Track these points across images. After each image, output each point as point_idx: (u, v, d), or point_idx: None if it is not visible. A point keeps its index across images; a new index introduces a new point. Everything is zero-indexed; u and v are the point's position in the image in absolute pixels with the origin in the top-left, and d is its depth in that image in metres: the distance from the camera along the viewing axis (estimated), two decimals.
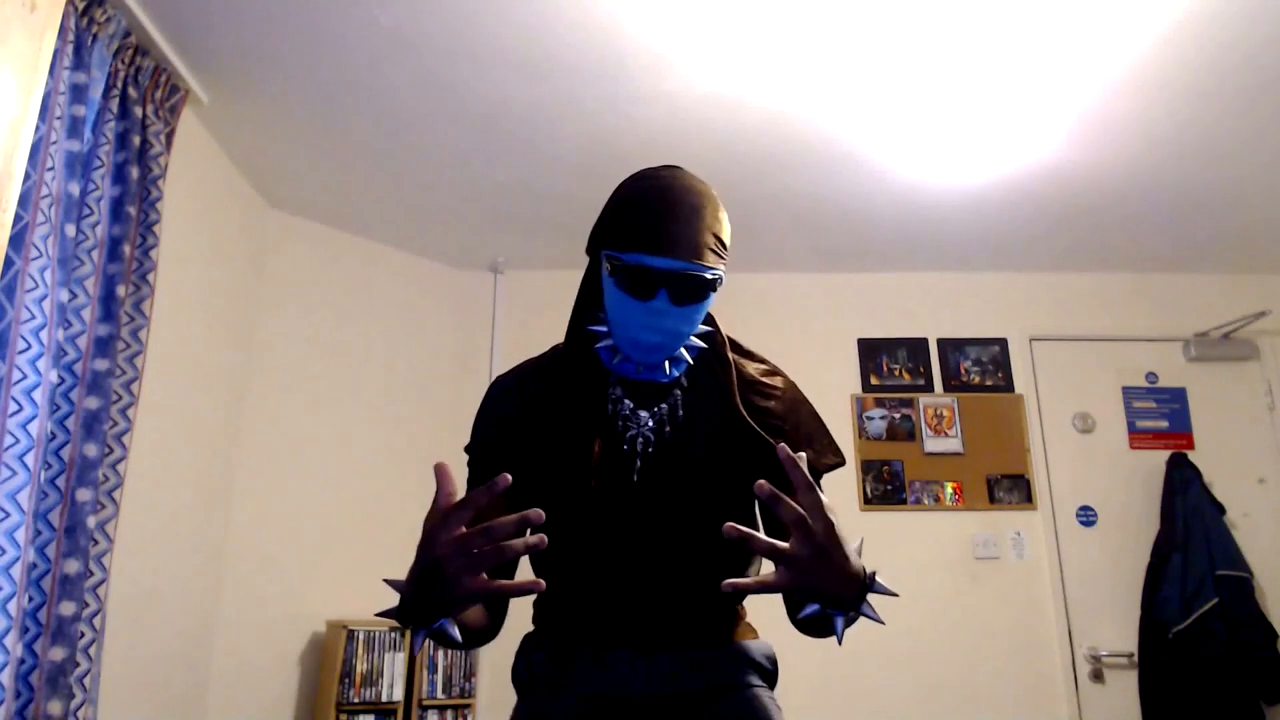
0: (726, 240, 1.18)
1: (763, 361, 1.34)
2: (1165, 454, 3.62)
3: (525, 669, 1.27)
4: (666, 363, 1.22)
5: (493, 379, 1.35)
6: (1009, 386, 3.83)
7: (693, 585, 1.21)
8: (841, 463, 1.29)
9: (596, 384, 1.24)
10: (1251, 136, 2.88)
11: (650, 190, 1.16)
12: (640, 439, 1.21)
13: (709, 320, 1.28)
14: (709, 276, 1.14)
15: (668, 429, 1.22)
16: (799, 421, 1.27)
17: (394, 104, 2.76)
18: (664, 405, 1.23)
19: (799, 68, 2.56)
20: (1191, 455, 3.60)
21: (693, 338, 1.23)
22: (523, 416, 1.26)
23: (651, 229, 1.12)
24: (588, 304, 1.26)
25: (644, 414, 1.22)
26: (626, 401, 1.23)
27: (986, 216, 3.45)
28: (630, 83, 2.64)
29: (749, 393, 1.26)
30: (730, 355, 1.28)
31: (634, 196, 1.16)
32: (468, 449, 1.31)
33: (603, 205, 1.23)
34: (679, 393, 1.24)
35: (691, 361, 1.25)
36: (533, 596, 1.31)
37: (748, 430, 1.22)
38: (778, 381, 1.30)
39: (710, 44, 2.46)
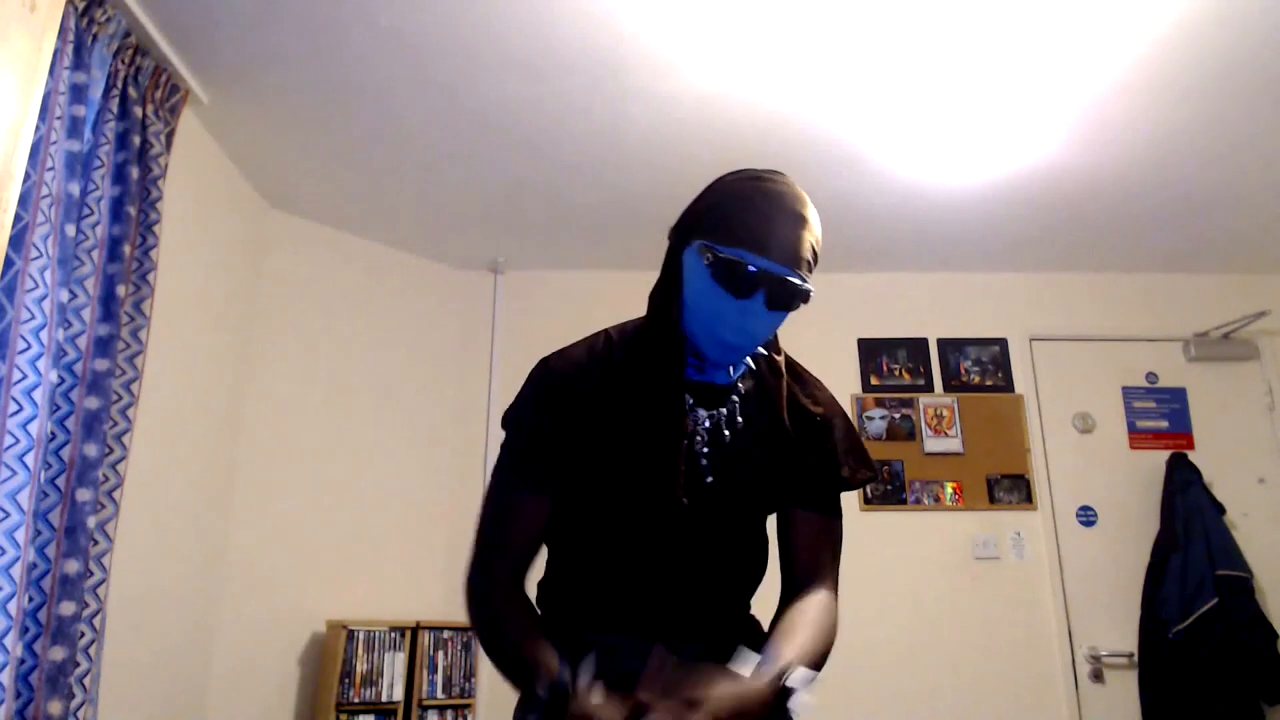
0: (819, 255, 1.18)
1: (805, 371, 1.35)
2: (1165, 454, 3.62)
3: None
4: (731, 367, 1.23)
5: (540, 360, 1.28)
6: (1009, 386, 3.83)
7: (718, 581, 1.24)
8: (874, 477, 1.31)
9: (663, 380, 1.21)
10: (1251, 136, 2.88)
11: (764, 191, 1.15)
12: (699, 438, 1.22)
13: None
14: (805, 290, 1.14)
15: (726, 433, 1.22)
16: (837, 435, 1.29)
17: (394, 104, 2.76)
18: (721, 410, 1.24)
19: (799, 68, 2.56)
20: (1191, 455, 3.60)
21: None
22: (582, 401, 1.22)
23: (763, 229, 1.11)
24: (668, 294, 1.22)
25: (703, 413, 1.23)
26: (686, 398, 1.23)
27: (986, 216, 3.45)
28: (630, 83, 2.64)
29: (795, 403, 1.27)
30: (783, 367, 1.29)
31: (746, 194, 1.15)
32: (510, 424, 1.26)
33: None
34: (736, 399, 1.25)
35: (754, 366, 1.27)
36: (538, 579, 1.30)
37: (789, 439, 1.24)
38: (822, 394, 1.32)
39: (710, 44, 2.46)
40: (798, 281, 1.13)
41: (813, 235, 1.15)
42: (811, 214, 1.16)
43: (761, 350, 1.26)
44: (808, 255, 1.14)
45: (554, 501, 1.23)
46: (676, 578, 1.21)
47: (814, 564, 1.25)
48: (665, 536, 1.20)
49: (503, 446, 1.27)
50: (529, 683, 1.06)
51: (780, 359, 1.29)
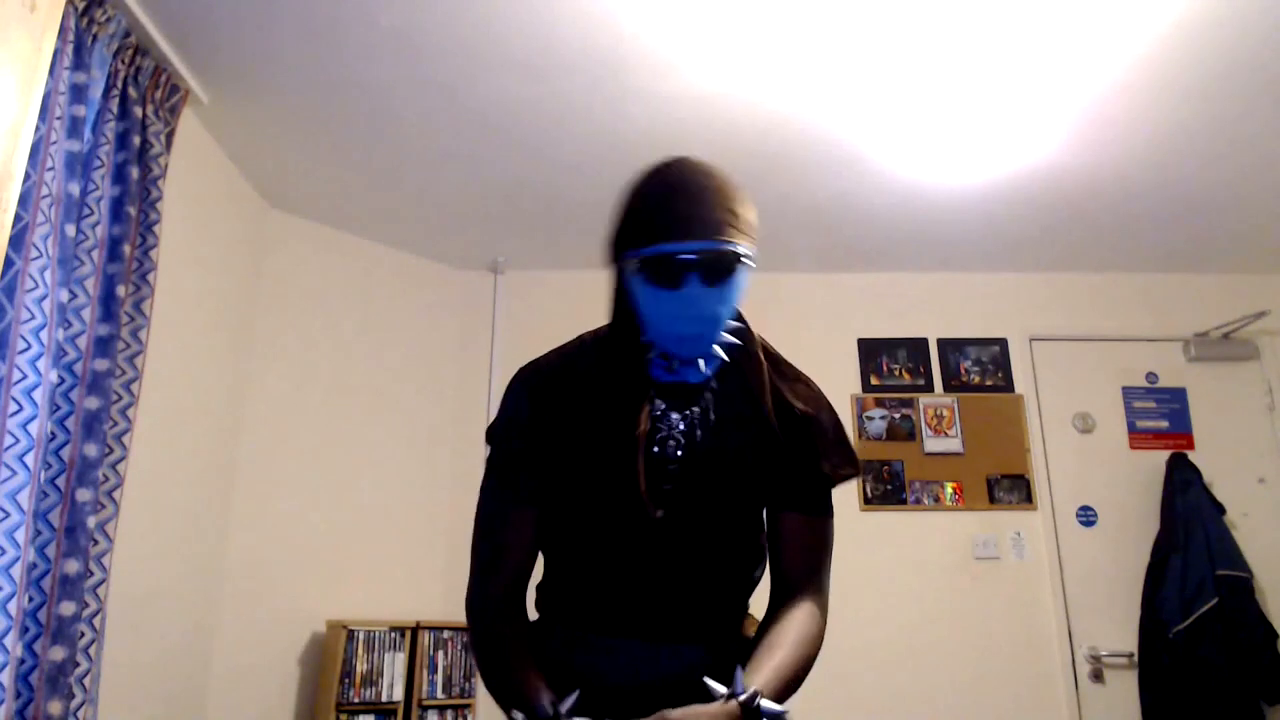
0: (749, 216, 1.15)
1: (787, 363, 1.32)
2: (1165, 454, 3.62)
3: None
4: (701, 361, 1.21)
5: (516, 371, 1.31)
6: (1009, 386, 3.83)
7: (712, 585, 1.24)
8: (857, 473, 1.28)
9: (628, 384, 1.22)
10: (1251, 136, 2.88)
11: (657, 180, 1.15)
12: (671, 441, 1.21)
13: (740, 317, 1.26)
14: (735, 250, 1.12)
15: (699, 433, 1.21)
16: (822, 428, 1.26)
17: (394, 104, 2.76)
18: (695, 409, 1.22)
19: (799, 68, 2.56)
20: (1191, 455, 3.60)
21: (726, 335, 1.22)
22: (555, 410, 1.23)
23: (666, 215, 1.11)
24: (623, 309, 1.23)
25: (675, 416, 1.22)
26: (658, 402, 1.22)
27: (986, 216, 3.45)
28: (630, 83, 2.64)
29: (778, 395, 1.25)
30: (760, 356, 1.26)
31: (643, 191, 1.16)
32: (494, 437, 1.27)
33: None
34: (710, 395, 1.23)
35: (726, 359, 1.24)
36: (538, 582, 1.31)
37: (774, 435, 1.22)
38: (803, 389, 1.29)
39: (711, 44, 2.46)
40: (722, 248, 1.11)
41: (726, 198, 1.13)
42: (719, 180, 1.15)
43: (732, 339, 1.23)
44: (725, 219, 1.12)
45: (544, 507, 1.24)
46: (662, 579, 1.21)
47: (801, 566, 1.24)
48: (644, 539, 1.20)
49: (489, 460, 1.28)
50: (510, 709, 1.08)
51: (759, 352, 1.27)
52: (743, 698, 1.01)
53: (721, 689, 1.03)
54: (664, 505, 1.19)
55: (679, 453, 1.20)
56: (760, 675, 1.07)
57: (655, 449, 1.20)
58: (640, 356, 1.21)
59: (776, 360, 1.30)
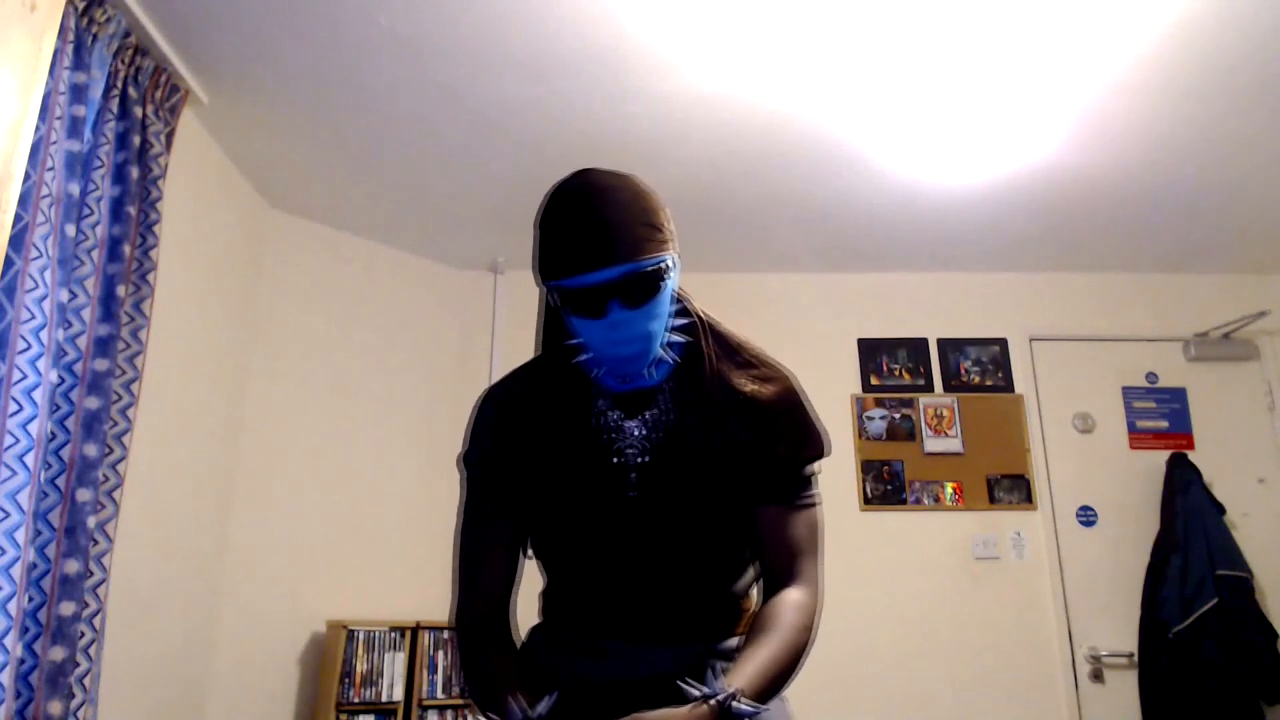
0: (660, 223, 1.14)
1: (746, 349, 1.28)
2: (1165, 454, 3.62)
3: (528, 658, 1.29)
4: (649, 368, 1.20)
5: (486, 388, 1.34)
6: (1009, 386, 3.83)
7: (691, 586, 1.23)
8: (821, 454, 1.24)
9: (579, 399, 1.23)
10: (1251, 136, 2.88)
11: (563, 208, 1.13)
12: (631, 449, 1.21)
13: (686, 310, 1.24)
14: (651, 269, 1.10)
15: (659, 435, 1.21)
16: (776, 412, 1.23)
17: (394, 104, 2.76)
18: (651, 412, 1.22)
19: (799, 68, 2.56)
20: (1191, 455, 3.60)
21: (673, 334, 1.21)
22: (516, 429, 1.25)
23: (576, 247, 1.09)
24: (556, 328, 1.24)
25: (631, 424, 1.21)
26: (612, 413, 1.22)
27: (986, 216, 3.45)
28: (630, 83, 2.64)
29: (727, 385, 1.23)
30: (708, 349, 1.24)
31: (551, 220, 1.14)
32: (464, 461, 1.30)
33: None
34: (666, 397, 1.23)
35: (675, 361, 1.23)
36: (539, 589, 1.32)
37: (727, 429, 1.20)
38: (758, 374, 1.25)
39: (711, 44, 2.46)
40: (638, 269, 1.09)
41: (636, 212, 1.12)
42: (625, 194, 1.13)
43: (680, 337, 1.22)
44: (639, 235, 1.10)
45: (523, 520, 1.26)
46: (642, 581, 1.21)
47: (784, 559, 1.21)
48: (619, 543, 1.20)
49: (464, 484, 1.30)
50: (487, 715, 1.09)
51: (707, 344, 1.24)
52: (719, 698, 1.01)
53: (696, 690, 1.02)
54: (631, 511, 1.19)
55: (641, 459, 1.20)
56: (742, 674, 1.06)
57: (615, 459, 1.20)
58: (580, 371, 1.23)
59: (731, 348, 1.27)
